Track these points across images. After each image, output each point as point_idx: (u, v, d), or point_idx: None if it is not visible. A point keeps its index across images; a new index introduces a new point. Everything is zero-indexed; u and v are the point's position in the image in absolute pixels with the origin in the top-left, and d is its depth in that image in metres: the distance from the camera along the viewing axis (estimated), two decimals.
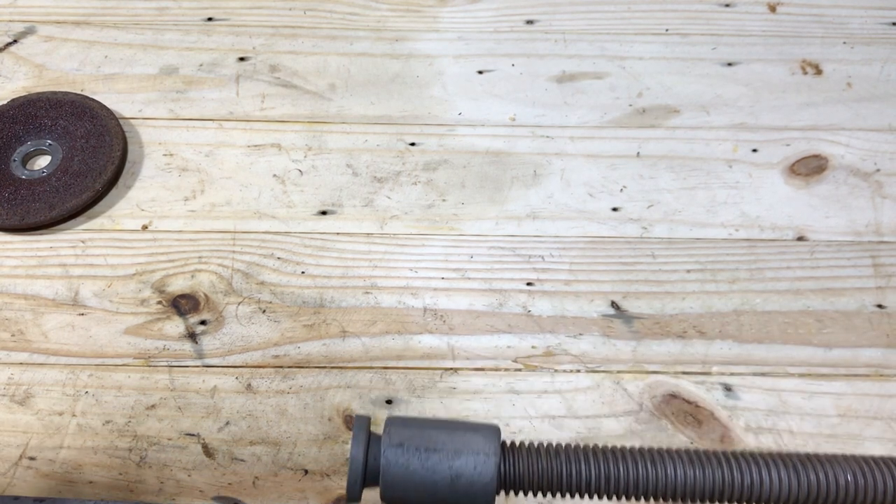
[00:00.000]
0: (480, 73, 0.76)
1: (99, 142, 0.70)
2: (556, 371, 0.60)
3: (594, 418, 0.58)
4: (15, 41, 0.78)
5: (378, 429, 0.41)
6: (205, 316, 0.63)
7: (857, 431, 0.57)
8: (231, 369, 0.60)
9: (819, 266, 0.65)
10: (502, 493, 0.40)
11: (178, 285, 0.64)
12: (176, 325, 0.62)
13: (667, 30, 0.79)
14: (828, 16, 0.80)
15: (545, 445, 0.40)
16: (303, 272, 0.65)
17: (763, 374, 0.60)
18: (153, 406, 0.59)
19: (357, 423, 0.39)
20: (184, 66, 0.77)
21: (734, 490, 0.39)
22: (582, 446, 0.40)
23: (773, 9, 0.81)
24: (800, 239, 0.66)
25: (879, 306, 0.63)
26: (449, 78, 0.76)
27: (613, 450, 0.40)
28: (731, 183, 0.69)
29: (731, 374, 0.60)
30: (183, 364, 0.60)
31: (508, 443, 0.40)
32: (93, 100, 0.73)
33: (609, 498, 0.40)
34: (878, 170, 0.70)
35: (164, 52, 0.77)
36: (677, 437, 0.57)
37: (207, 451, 0.57)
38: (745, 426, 0.57)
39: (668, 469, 0.39)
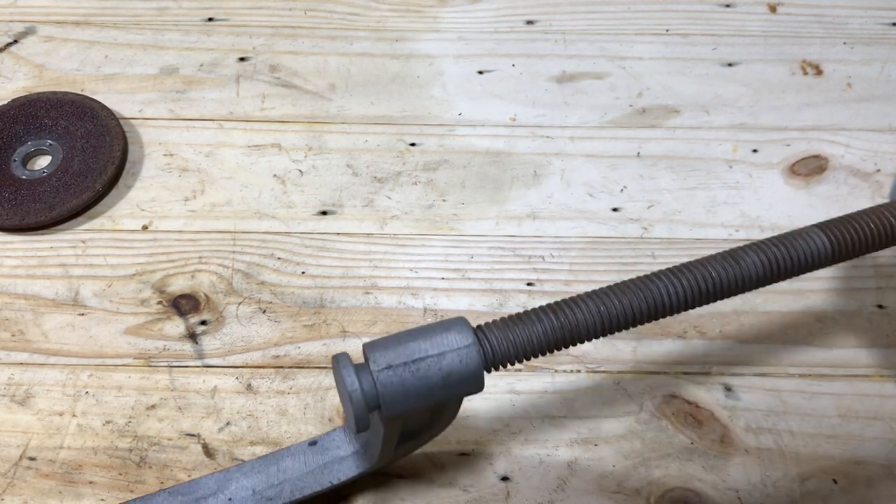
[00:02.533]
0: (480, 73, 0.76)
1: (99, 142, 0.70)
2: (556, 371, 0.60)
3: (594, 419, 0.58)
4: (15, 41, 0.78)
5: None
6: (205, 316, 0.63)
7: (858, 432, 0.57)
8: (231, 369, 0.60)
9: None
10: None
11: (178, 285, 0.64)
12: (176, 326, 0.62)
13: (667, 30, 0.79)
14: (828, 16, 0.80)
15: (509, 317, 0.44)
16: (303, 272, 0.65)
17: (763, 375, 0.60)
18: (153, 406, 0.59)
19: (340, 360, 0.41)
20: (184, 66, 0.77)
21: (678, 301, 0.45)
22: (539, 307, 0.44)
23: (773, 9, 0.81)
24: None
25: (880, 306, 0.63)
26: (449, 78, 0.76)
27: (566, 301, 0.45)
28: (731, 183, 0.69)
29: (732, 374, 0.60)
30: (183, 364, 0.60)
31: (477, 326, 0.44)
32: (93, 100, 0.73)
33: (575, 343, 0.45)
34: (879, 170, 0.70)
35: (165, 52, 0.77)
36: (677, 438, 0.57)
37: (208, 452, 0.57)
38: (746, 426, 0.57)
39: (622, 300, 0.44)
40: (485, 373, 0.42)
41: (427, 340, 0.42)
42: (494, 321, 0.44)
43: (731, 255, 0.46)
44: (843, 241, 0.47)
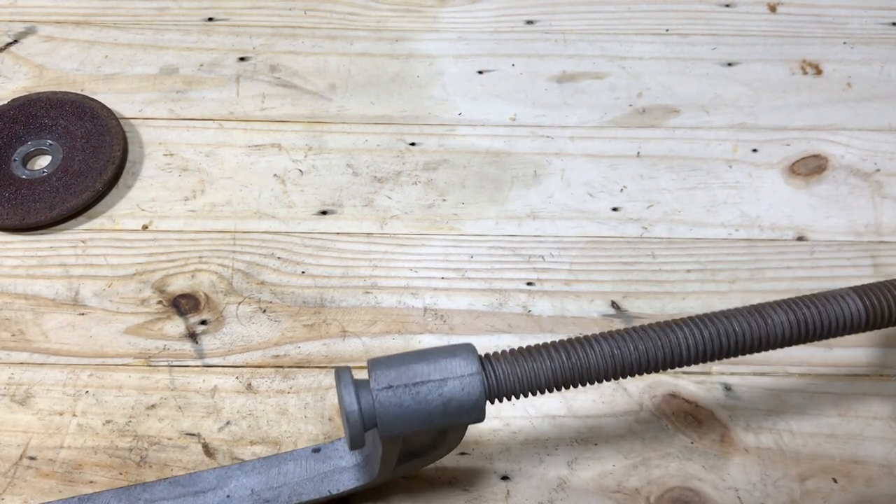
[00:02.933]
0: (480, 73, 0.76)
1: (99, 142, 0.70)
2: None
3: (594, 418, 0.58)
4: (15, 41, 0.78)
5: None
6: (205, 316, 0.63)
7: (858, 431, 0.57)
8: (231, 369, 0.60)
9: (819, 266, 0.65)
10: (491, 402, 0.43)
11: (178, 285, 0.64)
12: (176, 325, 0.62)
13: (667, 30, 0.79)
14: (828, 16, 0.80)
15: (518, 349, 0.43)
16: (303, 272, 0.65)
17: (763, 374, 0.60)
18: (153, 406, 0.59)
19: (342, 376, 0.41)
20: (184, 66, 0.77)
21: (698, 352, 0.44)
22: (551, 342, 0.43)
23: (773, 9, 0.81)
24: (800, 239, 0.66)
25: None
26: (449, 78, 0.76)
27: (579, 339, 0.44)
28: (731, 183, 0.69)
29: (731, 373, 0.60)
30: (183, 364, 0.60)
31: (485, 355, 0.43)
32: (93, 100, 0.73)
33: (584, 384, 0.43)
34: (878, 170, 0.70)
35: (165, 52, 0.77)
36: (677, 437, 0.57)
37: (208, 451, 0.57)
38: (745, 426, 0.57)
39: (637, 345, 0.43)
40: (487, 403, 0.41)
41: (431, 364, 0.41)
42: (504, 352, 0.43)
43: (759, 310, 0.44)
44: (880, 307, 0.45)
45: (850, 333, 0.46)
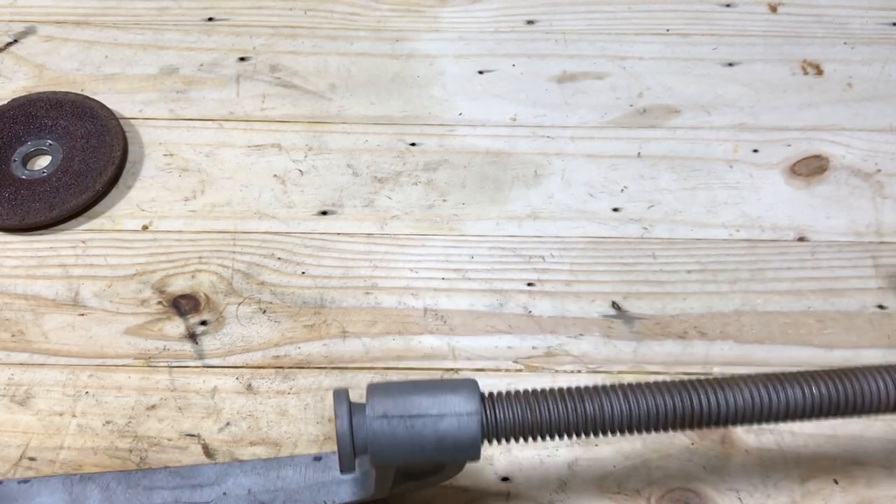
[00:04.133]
0: (481, 73, 0.76)
1: (99, 142, 0.70)
2: (556, 372, 0.60)
3: None
4: (15, 41, 0.78)
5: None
6: (205, 316, 0.63)
7: (859, 433, 0.57)
8: (231, 370, 0.60)
9: (820, 266, 0.65)
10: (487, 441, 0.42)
11: (178, 285, 0.64)
12: (176, 326, 0.62)
13: (667, 30, 0.79)
14: (828, 16, 0.80)
15: (523, 392, 0.42)
16: (303, 272, 0.65)
17: None
18: (153, 406, 0.58)
19: (337, 398, 0.40)
20: (184, 66, 0.77)
21: (708, 414, 0.42)
22: (558, 388, 0.42)
23: (773, 9, 0.81)
24: (800, 239, 0.66)
25: (880, 307, 0.63)
26: (449, 78, 0.76)
27: (588, 389, 0.42)
28: (732, 183, 0.69)
29: (732, 374, 0.60)
30: (183, 364, 0.60)
31: (488, 394, 0.42)
32: (93, 100, 0.73)
33: (588, 436, 0.42)
34: (879, 170, 0.70)
35: (165, 52, 0.77)
36: (678, 438, 0.57)
37: (208, 452, 0.56)
38: (746, 427, 0.57)
39: (648, 401, 0.41)
40: (486, 442, 0.41)
41: (430, 398, 0.40)
42: (509, 392, 0.42)
43: (785, 380, 0.42)
44: None
45: (879, 413, 0.43)
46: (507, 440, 0.42)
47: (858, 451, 0.56)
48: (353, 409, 0.40)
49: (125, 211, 0.68)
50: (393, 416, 0.40)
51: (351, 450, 0.40)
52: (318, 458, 0.52)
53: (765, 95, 0.75)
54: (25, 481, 0.52)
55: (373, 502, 0.54)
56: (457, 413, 0.40)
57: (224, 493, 0.50)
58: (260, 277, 0.64)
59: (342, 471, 0.41)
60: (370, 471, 0.49)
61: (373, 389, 0.41)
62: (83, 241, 0.66)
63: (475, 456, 0.41)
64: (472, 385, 0.41)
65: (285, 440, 0.57)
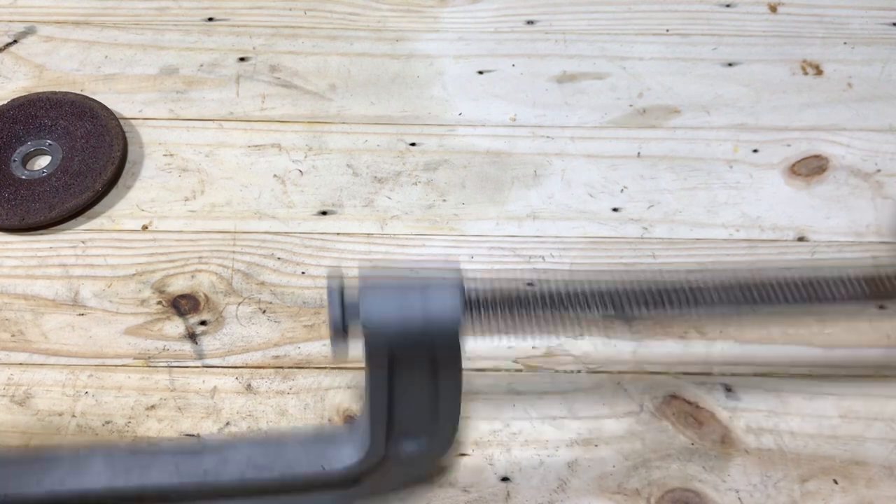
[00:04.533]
0: (481, 73, 0.76)
1: (99, 142, 0.70)
2: (556, 372, 0.60)
3: (595, 419, 0.58)
4: (15, 41, 0.78)
5: None
6: (205, 316, 0.63)
7: (859, 432, 0.57)
8: (231, 370, 0.60)
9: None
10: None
11: (178, 285, 0.64)
12: (176, 326, 0.62)
13: (667, 30, 0.79)
14: (828, 16, 0.80)
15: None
16: (303, 272, 0.65)
17: (764, 375, 0.60)
18: (153, 406, 0.58)
19: (330, 272, 0.43)
20: (184, 66, 0.77)
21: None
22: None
23: (773, 9, 0.81)
24: (800, 239, 0.66)
25: (881, 307, 0.63)
26: (449, 78, 0.76)
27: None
28: (732, 183, 0.69)
29: (732, 374, 0.60)
30: (183, 364, 0.60)
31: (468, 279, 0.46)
32: (93, 100, 0.73)
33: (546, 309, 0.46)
34: (879, 170, 0.70)
35: (165, 52, 0.77)
36: (678, 438, 0.57)
37: None
38: (746, 427, 0.57)
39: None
40: (465, 315, 0.44)
41: (416, 272, 0.44)
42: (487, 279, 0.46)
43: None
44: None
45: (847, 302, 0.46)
46: (486, 312, 0.45)
47: (858, 451, 0.56)
48: (344, 282, 0.43)
49: (125, 211, 0.68)
50: (383, 283, 0.43)
51: (340, 305, 0.42)
52: (318, 430, 0.54)
53: (765, 95, 0.75)
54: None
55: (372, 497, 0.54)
56: (440, 282, 0.44)
57: (224, 460, 0.51)
58: (260, 277, 0.64)
59: (333, 341, 0.42)
60: (367, 428, 0.49)
61: (363, 270, 0.44)
62: (83, 241, 0.66)
63: (456, 320, 0.43)
64: (455, 265, 0.45)
65: None
